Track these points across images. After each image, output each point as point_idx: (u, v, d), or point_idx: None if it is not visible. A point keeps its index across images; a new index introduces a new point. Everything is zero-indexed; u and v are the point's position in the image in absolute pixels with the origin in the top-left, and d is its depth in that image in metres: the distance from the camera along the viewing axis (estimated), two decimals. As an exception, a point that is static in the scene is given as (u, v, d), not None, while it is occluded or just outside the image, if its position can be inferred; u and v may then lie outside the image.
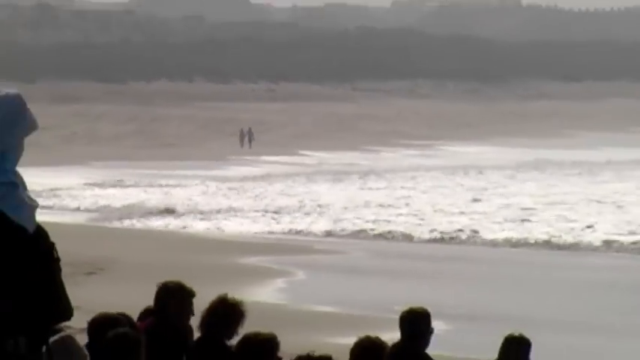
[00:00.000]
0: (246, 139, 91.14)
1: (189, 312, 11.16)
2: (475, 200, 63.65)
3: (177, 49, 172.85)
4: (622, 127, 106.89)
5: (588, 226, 51.29)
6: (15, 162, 5.84)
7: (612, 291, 32.99)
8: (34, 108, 5.48)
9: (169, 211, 54.83)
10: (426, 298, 13.16)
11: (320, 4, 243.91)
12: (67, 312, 6.09)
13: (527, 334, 11.96)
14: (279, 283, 31.66)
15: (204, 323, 11.04)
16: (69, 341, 8.21)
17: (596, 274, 38.04)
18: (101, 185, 66.58)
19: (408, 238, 46.64)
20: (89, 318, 9.55)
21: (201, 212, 54.73)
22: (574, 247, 45.40)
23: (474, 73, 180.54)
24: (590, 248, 44.96)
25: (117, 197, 61.51)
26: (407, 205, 61.25)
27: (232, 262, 32.46)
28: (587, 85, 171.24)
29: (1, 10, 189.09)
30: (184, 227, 48.41)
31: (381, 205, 60.37)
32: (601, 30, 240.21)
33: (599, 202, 63.44)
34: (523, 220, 53.69)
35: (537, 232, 48.69)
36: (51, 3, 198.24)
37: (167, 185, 69.53)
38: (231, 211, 53.85)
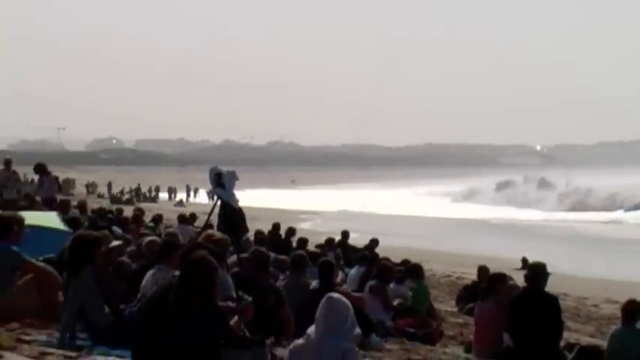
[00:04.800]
0: (293, 182, 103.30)
1: (279, 228, 14.07)
2: (371, 197, 63.12)
3: (289, 158, 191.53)
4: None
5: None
6: (232, 190, 8.44)
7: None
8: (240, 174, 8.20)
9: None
10: (348, 227, 15.48)
11: (318, 144, 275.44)
12: (246, 229, 9.72)
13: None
14: (309, 222, 35.03)
15: (285, 232, 13.92)
16: (249, 240, 10.17)
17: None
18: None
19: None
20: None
21: (288, 200, 56.04)
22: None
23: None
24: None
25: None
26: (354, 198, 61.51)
27: (298, 217, 36.12)
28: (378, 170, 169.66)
29: (232, 150, 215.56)
30: (283, 205, 48.74)
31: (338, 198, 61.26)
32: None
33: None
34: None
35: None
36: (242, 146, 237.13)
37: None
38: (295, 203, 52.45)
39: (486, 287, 8.05)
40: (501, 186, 68.19)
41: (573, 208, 51.07)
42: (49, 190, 13.92)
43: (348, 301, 4.61)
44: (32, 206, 11.55)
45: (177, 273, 5.01)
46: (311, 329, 4.56)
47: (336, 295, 4.70)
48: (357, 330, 4.53)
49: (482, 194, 63.94)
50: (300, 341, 4.59)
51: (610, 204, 51.22)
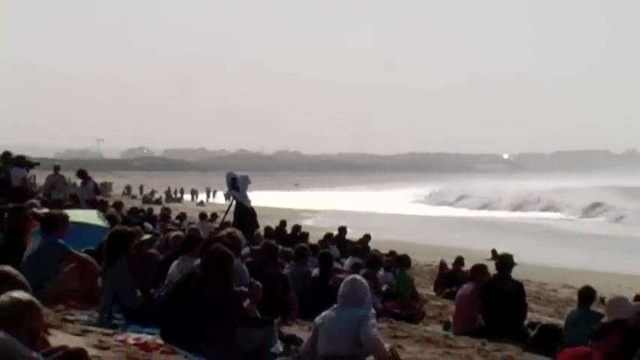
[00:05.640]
0: (296, 185, 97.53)
1: (285, 224, 13.30)
2: (364, 198, 57.59)
3: (293, 165, 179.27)
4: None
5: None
6: (245, 192, 8.13)
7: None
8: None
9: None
10: (344, 223, 14.29)
11: (318, 153, 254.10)
12: (257, 225, 9.05)
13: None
14: (312, 219, 32.09)
15: (292, 228, 13.05)
16: (260, 234, 9.48)
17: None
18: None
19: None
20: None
21: (293, 200, 49.77)
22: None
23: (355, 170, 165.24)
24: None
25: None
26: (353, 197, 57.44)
27: (301, 215, 33.11)
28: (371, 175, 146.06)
29: (245, 158, 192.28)
30: (289, 205, 42.97)
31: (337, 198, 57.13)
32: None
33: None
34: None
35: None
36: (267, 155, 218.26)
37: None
38: (298, 203, 47.46)
39: (469, 275, 8.11)
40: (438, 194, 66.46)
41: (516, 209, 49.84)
42: (89, 192, 13.92)
43: (367, 284, 4.63)
44: (76, 205, 11.52)
45: (197, 262, 5.05)
46: (336, 305, 4.57)
47: (359, 277, 4.76)
48: (373, 310, 4.57)
49: (449, 196, 63.45)
50: (324, 313, 4.59)
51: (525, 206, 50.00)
